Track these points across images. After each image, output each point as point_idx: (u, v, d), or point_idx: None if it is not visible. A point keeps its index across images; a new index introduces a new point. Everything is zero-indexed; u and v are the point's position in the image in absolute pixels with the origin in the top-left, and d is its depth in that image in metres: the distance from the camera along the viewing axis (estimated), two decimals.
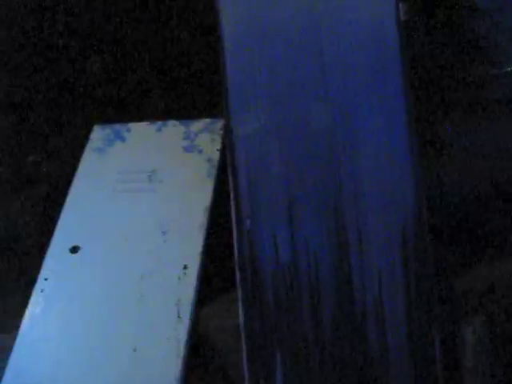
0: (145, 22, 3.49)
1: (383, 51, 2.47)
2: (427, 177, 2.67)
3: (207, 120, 3.27)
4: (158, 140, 3.25)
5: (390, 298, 2.49)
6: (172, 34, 3.36)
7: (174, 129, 3.29)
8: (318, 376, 2.51)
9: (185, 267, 2.72)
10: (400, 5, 2.42)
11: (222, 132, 3.18)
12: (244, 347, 2.50)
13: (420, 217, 2.47)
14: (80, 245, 2.87)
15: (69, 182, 3.10)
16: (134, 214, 2.96)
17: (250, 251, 2.50)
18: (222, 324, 2.63)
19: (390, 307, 2.48)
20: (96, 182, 3.11)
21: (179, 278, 2.69)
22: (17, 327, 3.05)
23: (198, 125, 3.25)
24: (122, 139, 3.26)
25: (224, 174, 2.94)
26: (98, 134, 3.29)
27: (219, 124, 3.29)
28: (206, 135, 3.22)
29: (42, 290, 2.76)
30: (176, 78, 3.60)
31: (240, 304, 2.50)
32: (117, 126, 3.37)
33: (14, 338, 2.83)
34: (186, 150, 3.15)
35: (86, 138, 3.31)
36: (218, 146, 3.14)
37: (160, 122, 3.32)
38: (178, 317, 2.59)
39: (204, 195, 2.97)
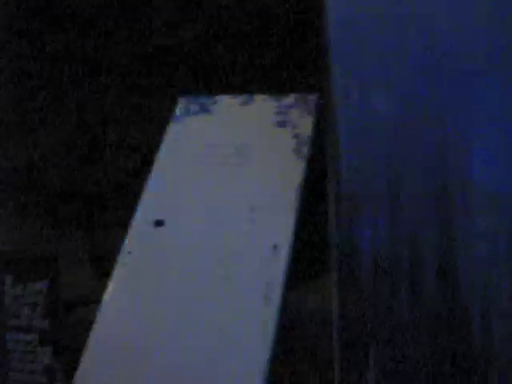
0: None
1: None
2: None
3: (298, 94, 3.10)
4: (246, 113, 3.11)
5: (495, 286, 2.29)
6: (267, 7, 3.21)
7: (263, 103, 3.14)
8: (414, 366, 2.33)
9: (274, 247, 2.57)
10: None
11: (314, 107, 3.01)
12: (335, 334, 2.34)
13: None
14: (164, 219, 2.76)
15: (153, 155, 3.00)
16: (221, 188, 2.84)
17: (347, 233, 2.33)
18: (313, 309, 2.48)
19: (496, 295, 2.28)
20: (181, 154, 3.00)
21: (268, 258, 2.55)
22: (94, 301, 2.99)
23: (289, 99, 3.09)
24: (208, 111, 3.13)
25: (316, 150, 2.79)
26: (183, 106, 3.17)
27: (311, 99, 3.12)
28: (298, 110, 3.05)
29: (124, 264, 2.67)
30: (267, 50, 3.45)
31: (334, 289, 2.34)
32: (203, 99, 3.24)
33: (93, 311, 2.78)
34: (277, 124, 3.00)
35: (171, 110, 3.20)
36: (311, 122, 2.98)
37: (248, 95, 3.17)
38: (267, 299, 2.45)
39: (295, 172, 2.82)
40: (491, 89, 2.32)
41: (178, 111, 3.20)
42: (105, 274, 3.45)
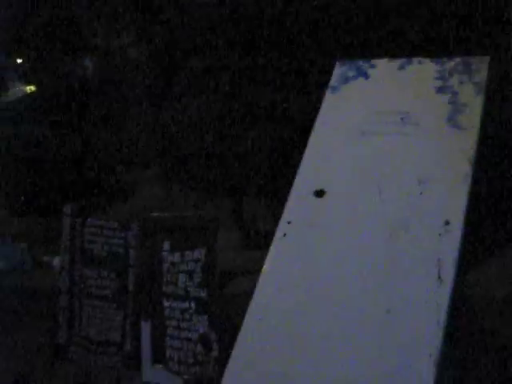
0: None
1: None
2: None
3: (460, 58, 2.84)
4: (406, 78, 2.89)
5: None
6: None
7: (423, 67, 2.90)
8: None
9: (446, 223, 2.37)
10: None
11: (485, 71, 2.75)
12: None
13: None
14: (324, 189, 2.62)
15: (311, 122, 2.85)
16: (385, 159, 2.66)
17: None
18: (489, 293, 2.27)
19: None
20: (340, 122, 2.84)
21: (439, 235, 2.35)
22: (249, 271, 2.92)
23: (450, 63, 2.83)
24: (366, 76, 2.95)
25: (488, 119, 2.56)
26: (340, 70, 3.00)
27: (482, 62, 2.86)
28: (462, 76, 2.80)
29: (284, 234, 2.56)
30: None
31: None
32: (359, 63, 3.05)
33: (249, 282, 2.70)
34: (440, 90, 2.77)
35: (328, 75, 3.04)
36: (479, 89, 2.72)
37: (408, 59, 2.94)
38: (439, 278, 2.26)
39: (467, 143, 2.59)
40: None
41: (334, 76, 3.03)
42: (253, 241, 3.40)
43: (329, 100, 2.92)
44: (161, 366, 2.89)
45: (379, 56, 2.89)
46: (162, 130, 3.45)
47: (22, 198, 4.43)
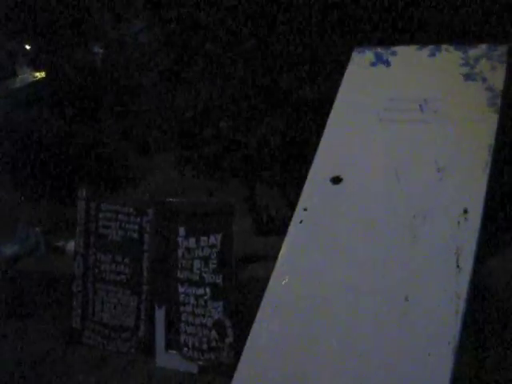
0: None
1: None
2: None
3: (485, 45, 2.80)
4: (429, 65, 2.85)
5: None
6: None
7: (447, 54, 2.86)
8: None
9: (465, 211, 2.34)
10: None
11: (506, 58, 2.71)
12: None
13: None
14: (341, 176, 2.59)
15: (328, 109, 2.82)
16: (404, 146, 2.63)
17: None
18: (509, 280, 2.24)
19: None
20: (358, 108, 2.81)
21: (458, 223, 2.33)
22: (263, 257, 2.90)
23: (476, 50, 2.79)
24: (387, 63, 2.91)
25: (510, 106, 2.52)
26: (359, 57, 2.96)
27: (501, 50, 2.82)
28: (487, 62, 2.75)
29: (300, 221, 2.54)
30: None
31: None
32: (379, 49, 3.01)
33: (265, 269, 2.68)
34: (465, 78, 2.73)
35: (346, 61, 3.00)
36: (502, 75, 2.68)
37: (431, 46, 2.89)
38: (458, 267, 2.23)
39: (487, 130, 2.55)
40: None
41: (352, 62, 3.00)
42: (266, 228, 3.37)
43: (346, 86, 2.89)
44: (175, 352, 2.87)
45: (399, 43, 2.85)
46: (176, 116, 3.43)
47: (36, 182, 4.42)
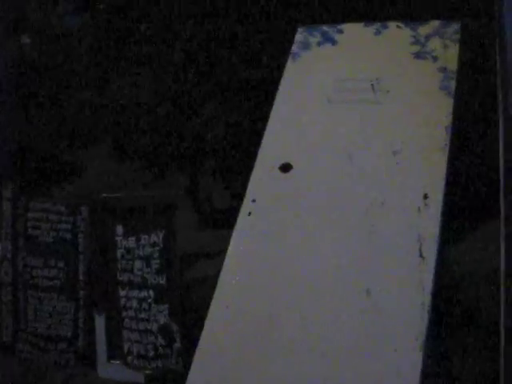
0: None
1: None
2: None
3: (437, 22, 2.67)
4: (378, 44, 2.70)
5: None
6: None
7: (396, 31, 2.72)
8: None
9: (425, 196, 2.20)
10: None
11: (457, 37, 2.58)
12: (503, 295, 1.97)
13: None
14: (291, 163, 2.41)
15: (273, 91, 2.63)
16: (356, 129, 2.46)
17: None
18: (475, 269, 2.11)
19: None
20: (305, 90, 2.63)
21: (419, 210, 2.18)
22: (209, 254, 2.71)
23: (426, 28, 2.65)
24: (333, 42, 2.74)
25: (464, 86, 2.40)
26: (304, 36, 2.78)
27: (453, 27, 2.69)
28: (438, 40, 2.63)
29: (249, 213, 2.34)
30: None
31: (502, 242, 1.96)
32: (325, 28, 2.84)
33: (212, 266, 2.49)
34: (416, 56, 2.59)
35: (290, 41, 2.81)
36: (455, 53, 2.55)
37: (379, 23, 2.75)
38: (421, 256, 2.08)
39: (443, 111, 2.41)
40: None
41: (297, 42, 2.82)
42: (210, 221, 3.17)
43: (291, 68, 2.71)
44: (118, 361, 2.64)
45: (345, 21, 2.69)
46: (111, 104, 3.18)
47: None
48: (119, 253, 2.68)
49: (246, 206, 2.41)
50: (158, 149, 3.15)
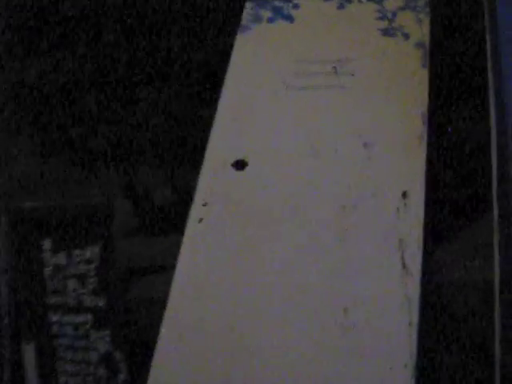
0: None
1: None
2: None
3: None
4: (340, 20, 2.42)
5: None
6: None
7: (360, 6, 2.44)
8: None
9: (404, 195, 1.93)
10: None
11: (428, 10, 2.31)
12: (498, 309, 1.72)
13: None
14: (246, 159, 2.08)
15: (220, 77, 2.29)
16: (320, 118, 2.18)
17: None
18: (462, 278, 1.85)
19: None
20: (259, 74, 2.31)
21: (398, 210, 1.91)
22: (154, 269, 2.35)
23: (393, 1, 2.37)
24: (289, 19, 2.43)
25: (442, 64, 2.13)
26: (253, 12, 2.45)
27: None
28: (409, 14, 2.35)
29: (200, 220, 2.01)
30: None
31: (496, 249, 1.70)
32: (277, 2, 2.52)
33: (159, 283, 2.15)
34: (384, 33, 2.30)
35: (236, 18, 2.47)
36: (427, 30, 2.28)
37: None
38: (404, 266, 1.81)
39: (418, 95, 2.14)
40: None
41: (247, 19, 2.49)
42: (153, 224, 2.81)
43: (241, 49, 2.38)
44: None
45: None
46: (31, 92, 2.79)
47: None
48: (47, 271, 2.31)
49: (196, 210, 2.08)
50: (88, 142, 2.78)
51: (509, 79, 1.82)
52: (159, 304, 1.96)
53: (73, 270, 2.30)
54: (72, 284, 2.34)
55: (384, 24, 2.27)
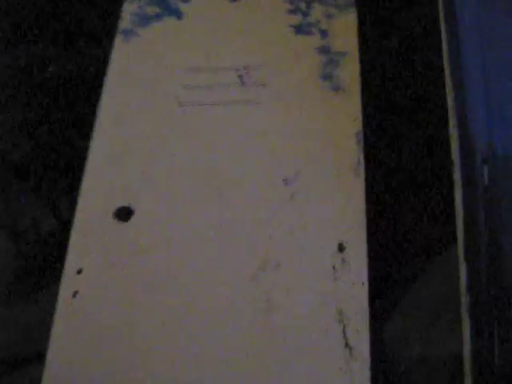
0: None
1: None
2: None
3: None
4: (242, 15, 1.92)
5: None
6: None
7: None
8: None
9: (340, 248, 1.47)
10: None
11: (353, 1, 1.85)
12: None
13: None
14: (131, 205, 1.58)
15: (97, 92, 1.75)
16: (224, 147, 1.68)
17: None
18: (423, 354, 1.42)
19: None
20: (143, 88, 1.79)
21: (334, 270, 1.45)
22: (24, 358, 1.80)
23: None
24: (178, 15, 1.92)
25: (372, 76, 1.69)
26: (134, 9, 1.93)
27: None
28: (326, 7, 1.89)
29: (74, 294, 1.49)
30: None
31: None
32: None
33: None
34: (298, 30, 1.83)
35: (115, 16, 1.94)
36: (354, 26, 1.83)
37: None
38: (347, 346, 1.37)
39: (349, 109, 1.68)
40: None
41: (124, 18, 1.95)
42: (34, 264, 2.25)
43: (120, 56, 1.85)
44: None
45: None
46: None
47: None
48: None
49: (69, 280, 1.55)
50: None
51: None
52: None
53: None
54: None
55: (297, 20, 1.80)
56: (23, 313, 1.85)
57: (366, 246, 1.48)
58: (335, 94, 1.67)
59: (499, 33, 1.39)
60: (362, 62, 1.72)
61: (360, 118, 1.64)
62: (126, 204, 1.61)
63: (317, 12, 1.85)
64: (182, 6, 1.92)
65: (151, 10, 1.91)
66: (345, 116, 1.65)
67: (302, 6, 1.86)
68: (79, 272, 1.56)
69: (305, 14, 1.85)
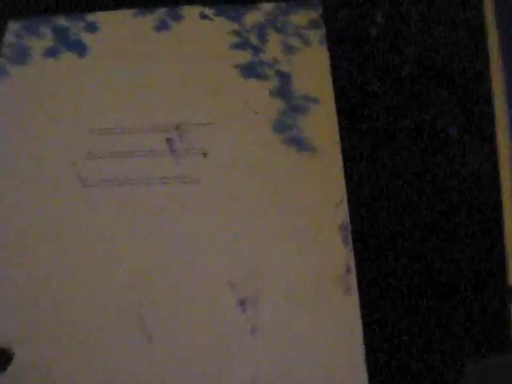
0: None
1: None
2: None
3: (272, 5, 1.42)
4: (171, 52, 1.39)
5: None
6: None
7: (203, 24, 1.43)
8: None
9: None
10: None
11: (316, 25, 1.36)
12: None
13: None
14: (11, 348, 1.05)
15: None
16: (157, 252, 1.15)
17: None
18: None
19: None
20: (32, 162, 1.24)
21: None
22: None
23: (253, 15, 1.40)
24: (80, 50, 1.37)
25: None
26: (17, 39, 1.37)
27: (304, 10, 1.46)
28: (281, 38, 1.39)
29: None
30: None
31: None
32: (57, 20, 1.46)
33: None
34: (248, 72, 1.32)
35: None
36: (319, 52, 1.34)
37: (168, 10, 1.43)
38: None
39: (327, 175, 1.20)
40: None
41: (7, 50, 1.41)
42: None
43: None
44: None
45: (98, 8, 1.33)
46: None
47: None
48: None
49: None
50: None
51: None
52: None
53: None
54: None
55: (245, 56, 1.30)
56: None
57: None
58: (308, 159, 1.18)
59: None
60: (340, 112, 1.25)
61: (345, 197, 1.16)
62: (4, 346, 1.08)
63: (274, 46, 1.36)
64: (87, 38, 1.39)
65: (40, 43, 1.37)
66: (322, 197, 1.16)
67: (253, 37, 1.37)
68: None
69: (257, 50, 1.35)
